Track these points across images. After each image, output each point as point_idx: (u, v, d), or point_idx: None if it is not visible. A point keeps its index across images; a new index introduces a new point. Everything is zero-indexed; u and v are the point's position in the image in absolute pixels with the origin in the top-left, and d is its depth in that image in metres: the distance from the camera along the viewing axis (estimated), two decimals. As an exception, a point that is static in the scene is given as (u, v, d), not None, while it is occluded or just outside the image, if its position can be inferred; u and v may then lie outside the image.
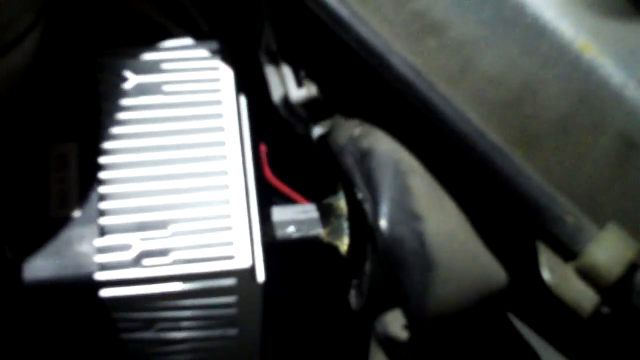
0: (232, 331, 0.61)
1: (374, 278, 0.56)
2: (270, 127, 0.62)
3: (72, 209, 0.53)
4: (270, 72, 0.56)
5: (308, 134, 0.56)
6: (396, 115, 0.50)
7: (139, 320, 0.56)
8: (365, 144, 0.51)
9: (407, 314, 0.50)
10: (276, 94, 0.56)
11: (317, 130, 0.55)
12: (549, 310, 0.48)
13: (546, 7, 0.43)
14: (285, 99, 0.55)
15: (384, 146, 0.50)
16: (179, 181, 0.54)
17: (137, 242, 0.52)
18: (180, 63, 0.59)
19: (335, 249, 0.62)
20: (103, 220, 0.53)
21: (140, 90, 0.57)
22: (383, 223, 0.47)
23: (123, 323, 0.56)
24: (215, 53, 0.60)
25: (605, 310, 0.43)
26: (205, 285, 0.54)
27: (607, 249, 0.42)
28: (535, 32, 0.43)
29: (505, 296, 0.50)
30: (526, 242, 0.45)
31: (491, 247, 0.49)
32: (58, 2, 0.56)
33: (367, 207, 0.49)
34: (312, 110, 0.54)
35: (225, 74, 0.59)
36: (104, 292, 0.52)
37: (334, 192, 0.63)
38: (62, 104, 0.57)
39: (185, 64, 0.59)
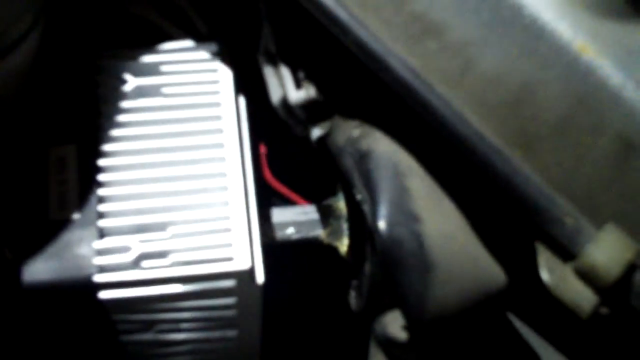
0: (231, 333, 0.61)
1: (374, 279, 0.56)
2: (269, 128, 0.62)
3: (71, 211, 0.53)
4: (268, 73, 0.56)
5: (307, 136, 0.56)
6: (395, 116, 0.50)
7: (138, 322, 0.56)
8: (364, 145, 0.51)
9: (406, 315, 0.50)
10: (275, 96, 0.56)
11: (316, 132, 0.55)
12: (549, 311, 0.48)
13: (544, 8, 0.43)
14: (284, 101, 0.55)
15: (383, 147, 0.50)
16: (178, 183, 0.54)
17: (136, 244, 0.52)
18: (179, 65, 0.59)
19: (335, 250, 0.62)
20: (102, 223, 0.53)
21: (139, 92, 0.57)
22: (382, 224, 0.47)
23: (122, 325, 0.56)
24: (214, 55, 0.60)
25: (604, 310, 0.43)
26: (204, 287, 0.54)
27: (605, 250, 0.42)
28: (534, 33, 0.43)
29: (504, 297, 0.50)
30: (525, 243, 0.45)
31: (490, 248, 0.49)
32: (57, 5, 0.56)
33: (366, 208, 0.49)
34: (311, 111, 0.54)
35: (224, 76, 0.59)
36: (103, 294, 0.52)
37: (333, 194, 0.63)
38: (61, 106, 0.57)
39: (184, 66, 0.59)
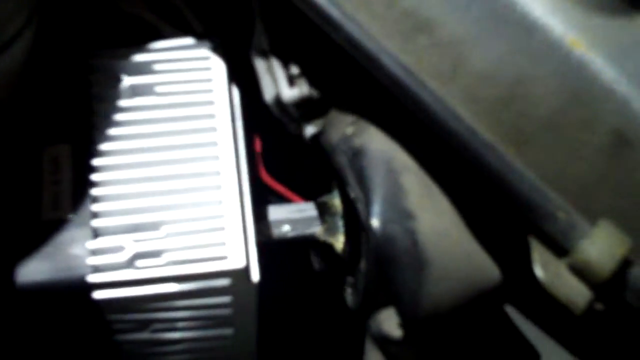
0: (227, 331, 0.61)
1: (370, 276, 0.56)
2: (264, 126, 0.62)
3: (65, 211, 0.53)
4: (262, 71, 0.56)
5: (301, 133, 0.56)
6: (388, 113, 0.50)
7: (133, 321, 0.56)
8: (357, 142, 0.51)
9: (401, 312, 0.50)
10: (268, 94, 0.56)
11: (310, 130, 0.55)
12: (544, 306, 0.48)
13: (535, 3, 0.43)
14: (278, 99, 0.55)
15: (377, 145, 0.50)
16: (172, 182, 0.54)
17: (131, 244, 0.52)
18: (172, 64, 0.59)
19: (330, 247, 0.62)
20: (96, 222, 0.52)
21: (133, 91, 0.57)
22: (375, 222, 0.47)
23: (117, 325, 0.56)
24: (207, 53, 0.60)
25: (599, 306, 0.43)
26: (199, 286, 0.53)
27: (599, 246, 0.42)
28: (525, 29, 0.43)
29: (499, 293, 0.50)
30: (519, 239, 0.45)
31: (484, 245, 0.49)
32: (50, 4, 0.56)
33: (360, 206, 0.49)
34: (304, 109, 0.54)
35: (217, 74, 0.59)
36: (98, 294, 0.52)
37: (328, 191, 0.63)
38: (54, 105, 0.56)
39: (177, 65, 0.59)
